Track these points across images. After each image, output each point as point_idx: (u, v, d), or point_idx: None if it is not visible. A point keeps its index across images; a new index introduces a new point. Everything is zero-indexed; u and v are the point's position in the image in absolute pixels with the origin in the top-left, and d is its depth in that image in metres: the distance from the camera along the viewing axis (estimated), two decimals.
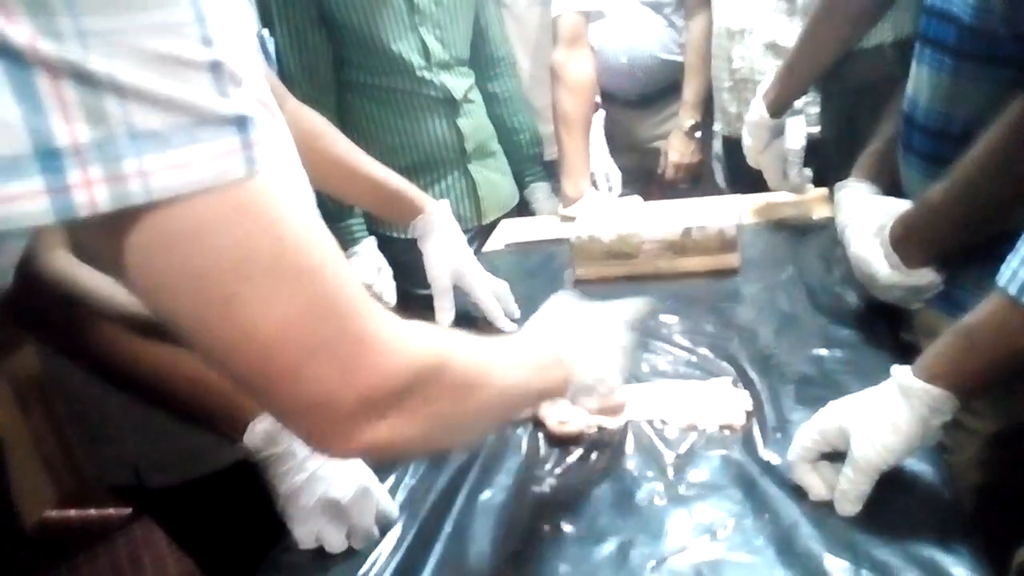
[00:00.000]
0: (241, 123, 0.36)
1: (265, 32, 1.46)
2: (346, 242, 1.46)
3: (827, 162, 1.33)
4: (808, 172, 1.31)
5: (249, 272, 0.37)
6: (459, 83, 1.53)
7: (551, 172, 1.74)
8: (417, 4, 1.44)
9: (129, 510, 2.11)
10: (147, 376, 0.73)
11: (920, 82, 0.87)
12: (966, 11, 0.78)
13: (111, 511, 2.12)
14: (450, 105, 1.52)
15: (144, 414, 0.84)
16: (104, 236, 0.35)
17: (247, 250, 0.37)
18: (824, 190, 1.37)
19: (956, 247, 0.85)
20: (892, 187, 0.98)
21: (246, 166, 0.36)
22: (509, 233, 1.56)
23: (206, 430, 0.78)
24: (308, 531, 0.73)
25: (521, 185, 1.75)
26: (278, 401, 0.43)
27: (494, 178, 1.64)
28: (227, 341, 0.39)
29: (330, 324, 0.41)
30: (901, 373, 0.68)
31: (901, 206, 0.91)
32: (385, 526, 0.77)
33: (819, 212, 1.36)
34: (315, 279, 0.40)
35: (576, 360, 0.72)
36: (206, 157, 0.34)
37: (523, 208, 1.76)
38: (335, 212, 1.44)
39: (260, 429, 0.72)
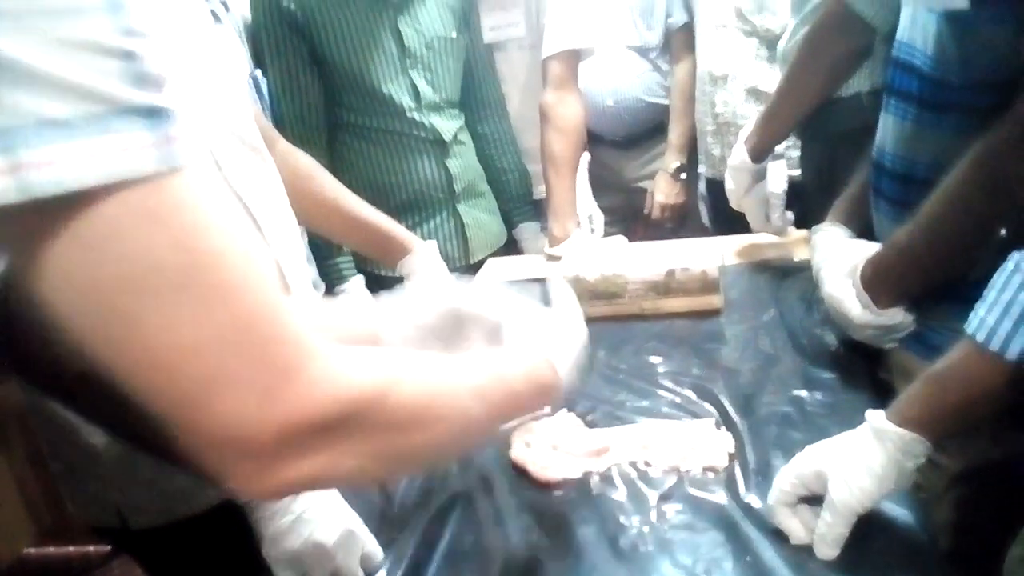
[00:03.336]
0: (155, 115, 0.33)
1: (258, 73, 1.49)
2: (334, 280, 1.47)
3: (808, 205, 1.36)
4: (790, 215, 1.34)
5: (154, 286, 0.34)
6: (449, 124, 1.56)
7: (540, 211, 1.77)
8: (408, 47, 1.47)
9: (108, 548, 2.08)
10: (131, 417, 0.73)
11: (887, 130, 0.91)
12: (926, 63, 0.82)
13: (90, 548, 2.09)
14: (439, 146, 1.55)
15: (128, 454, 0.84)
16: (16, 235, 0.33)
17: (153, 260, 0.34)
18: (805, 232, 1.40)
19: (924, 288, 0.88)
20: (866, 230, 1.01)
21: (160, 163, 0.33)
22: (495, 272, 1.58)
23: (189, 471, 0.78)
24: (293, 574, 0.73)
25: (510, 224, 1.77)
26: (186, 432, 0.38)
27: (482, 218, 1.67)
28: (130, 361, 0.36)
29: (247, 351, 0.37)
30: (875, 417, 0.70)
31: (872, 248, 0.95)
32: (370, 569, 0.77)
33: (800, 254, 1.38)
34: (231, 300, 0.37)
35: (562, 361, 0.65)
36: (116, 149, 0.32)
37: (511, 247, 1.78)
38: (324, 250, 1.45)
39: None
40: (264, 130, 1.02)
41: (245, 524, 0.73)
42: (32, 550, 2.14)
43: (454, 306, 0.70)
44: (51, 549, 2.14)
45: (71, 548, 2.12)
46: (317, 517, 0.73)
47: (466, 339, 0.72)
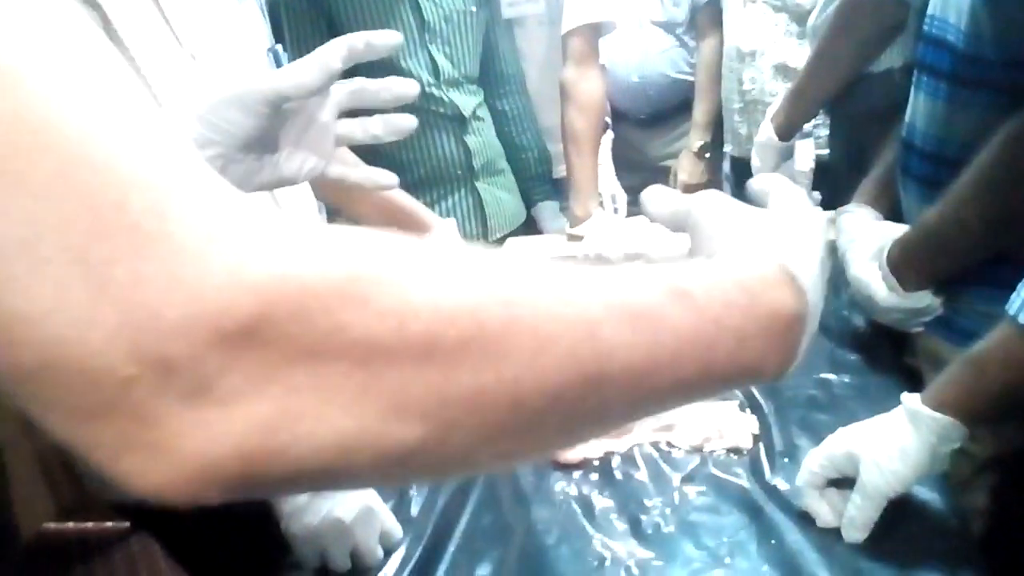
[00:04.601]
0: None
1: (279, 47, 1.47)
2: None
3: (836, 185, 1.33)
4: (816, 195, 1.31)
5: None
6: (468, 100, 1.54)
7: (559, 190, 1.75)
8: (427, 21, 1.45)
9: (127, 524, 2.10)
10: None
11: (917, 108, 0.89)
12: (959, 39, 0.80)
13: (108, 524, 2.12)
14: (458, 122, 1.53)
15: None
16: None
17: None
18: (832, 213, 1.37)
19: (952, 271, 0.86)
20: (893, 212, 0.99)
21: None
22: (516, 251, 1.56)
23: None
24: (312, 550, 0.73)
25: (529, 203, 1.75)
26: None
27: (501, 196, 1.65)
28: None
29: (71, 205, 0.21)
30: (910, 400, 0.68)
31: (900, 230, 0.92)
32: (389, 546, 0.77)
33: (827, 235, 1.35)
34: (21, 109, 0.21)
35: (806, 270, 0.36)
36: None
37: (530, 226, 1.76)
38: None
39: None
40: None
41: (264, 501, 0.73)
42: (52, 525, 2.16)
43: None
44: (71, 525, 2.16)
45: (90, 524, 2.14)
46: (335, 494, 0.72)
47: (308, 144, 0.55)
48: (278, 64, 1.43)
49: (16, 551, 1.24)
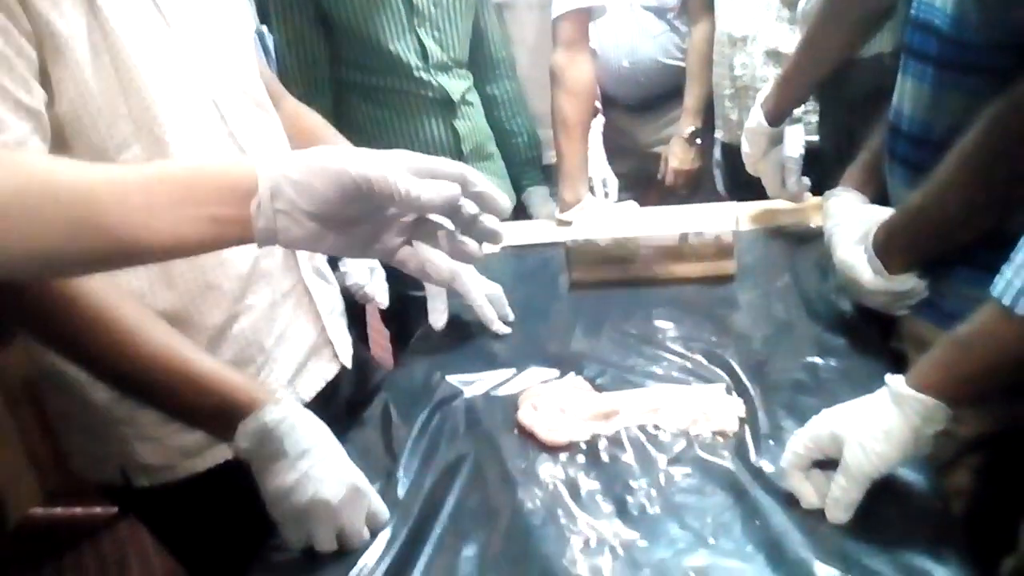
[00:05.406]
0: None
1: (264, 28, 1.46)
2: None
3: (826, 171, 1.33)
4: (806, 181, 1.31)
5: None
6: (457, 85, 1.53)
7: (549, 176, 1.74)
8: (416, 5, 1.44)
9: (115, 508, 2.10)
10: (132, 370, 0.71)
11: (904, 92, 0.89)
12: (945, 22, 0.80)
13: (97, 509, 2.10)
14: (447, 107, 1.52)
15: (131, 410, 0.83)
16: None
17: None
18: (820, 198, 1.38)
19: (937, 253, 0.86)
20: (880, 196, 0.99)
21: None
22: (505, 236, 1.56)
23: (194, 428, 0.77)
24: (298, 532, 0.73)
25: (518, 188, 1.75)
26: None
27: (491, 180, 1.64)
28: None
29: None
30: (895, 382, 0.68)
31: (886, 213, 0.93)
32: (376, 527, 0.77)
33: (816, 220, 1.35)
34: None
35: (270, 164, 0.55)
36: None
37: (519, 211, 1.75)
38: None
39: (251, 430, 0.71)
40: (270, 85, 1.00)
41: (250, 482, 0.73)
42: (39, 510, 2.15)
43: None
44: (58, 510, 2.15)
45: (78, 509, 2.13)
46: (322, 475, 0.72)
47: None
48: (264, 46, 1.42)
49: (5, 536, 1.23)
